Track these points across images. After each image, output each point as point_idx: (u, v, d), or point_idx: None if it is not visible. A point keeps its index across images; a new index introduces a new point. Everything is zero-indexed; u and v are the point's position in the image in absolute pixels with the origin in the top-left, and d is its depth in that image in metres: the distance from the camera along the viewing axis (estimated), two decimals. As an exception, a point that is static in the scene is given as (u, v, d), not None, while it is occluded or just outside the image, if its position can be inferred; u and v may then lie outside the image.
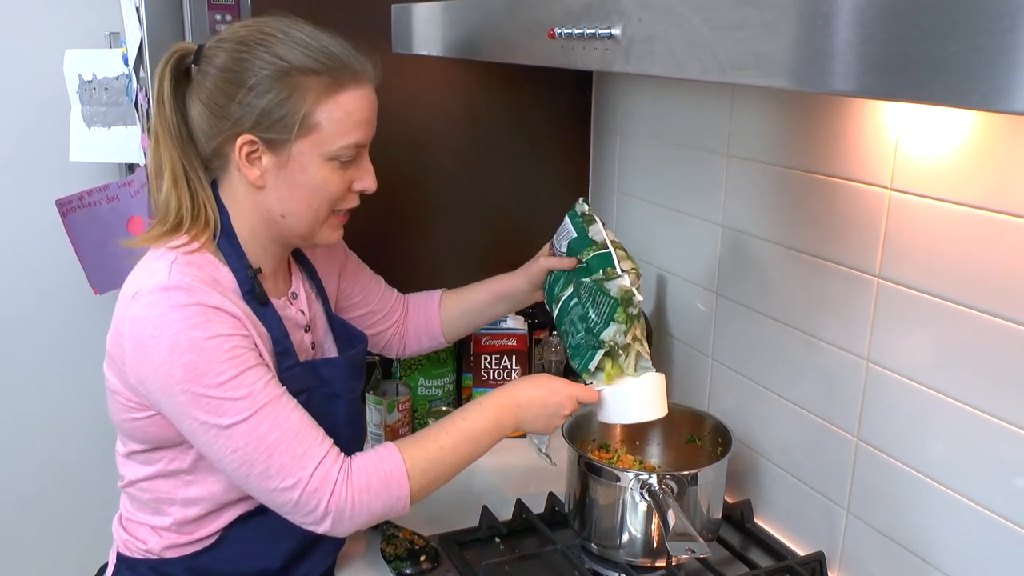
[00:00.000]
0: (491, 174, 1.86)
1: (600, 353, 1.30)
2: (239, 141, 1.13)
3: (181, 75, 1.17)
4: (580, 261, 1.37)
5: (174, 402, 1.08)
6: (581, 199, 1.47)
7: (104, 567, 1.34)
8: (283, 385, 1.14)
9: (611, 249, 1.35)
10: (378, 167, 1.23)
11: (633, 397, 1.30)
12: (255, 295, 1.17)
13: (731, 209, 1.51)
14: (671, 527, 1.18)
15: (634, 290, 1.31)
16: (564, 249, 1.43)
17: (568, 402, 1.27)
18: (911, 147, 1.15)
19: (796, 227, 1.37)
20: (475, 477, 1.59)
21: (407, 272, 1.67)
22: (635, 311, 1.31)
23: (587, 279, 1.34)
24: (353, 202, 1.23)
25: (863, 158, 1.22)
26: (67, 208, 1.93)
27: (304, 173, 1.15)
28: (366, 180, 1.21)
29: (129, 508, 1.26)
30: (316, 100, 1.12)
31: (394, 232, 1.80)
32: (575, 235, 1.41)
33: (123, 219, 1.93)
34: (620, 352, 1.29)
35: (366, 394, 1.72)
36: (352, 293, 1.46)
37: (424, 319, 1.54)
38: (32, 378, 2.51)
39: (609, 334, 1.29)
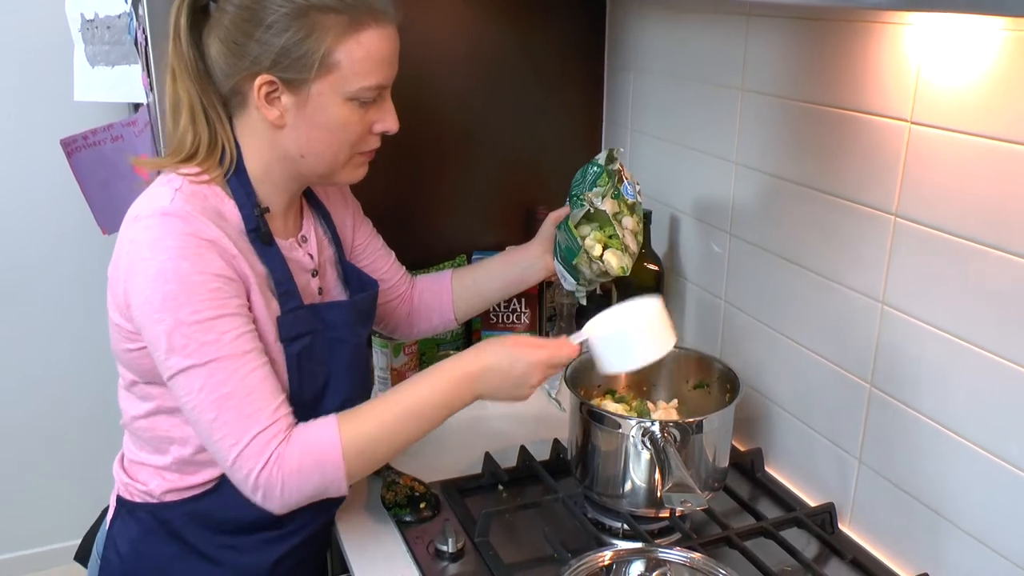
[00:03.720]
0: (502, 113, 1.80)
1: (579, 213, 1.29)
2: (257, 81, 1.11)
3: (198, 11, 1.14)
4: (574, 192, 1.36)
5: (151, 331, 1.08)
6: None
7: (106, 510, 1.34)
8: (287, 328, 1.14)
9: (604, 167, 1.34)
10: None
11: (627, 337, 1.16)
12: (259, 234, 1.16)
13: (745, 146, 1.44)
14: (669, 477, 1.14)
15: (617, 147, 1.31)
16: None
17: (534, 371, 1.17)
18: (933, 76, 1.07)
19: (812, 164, 1.30)
20: (480, 423, 1.56)
21: (415, 217, 1.63)
22: (616, 172, 1.31)
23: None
24: (374, 143, 1.20)
25: (882, 90, 1.15)
26: (72, 148, 1.90)
27: (324, 113, 1.13)
28: (388, 121, 1.18)
29: (131, 448, 1.26)
30: (336, 39, 1.09)
31: (401, 177, 1.75)
32: (577, 179, 1.37)
33: (128, 158, 1.90)
34: (596, 221, 1.28)
35: (372, 337, 1.69)
36: (363, 256, 1.44)
37: (435, 294, 1.51)
38: (42, 320, 2.53)
39: (589, 194, 1.29)
